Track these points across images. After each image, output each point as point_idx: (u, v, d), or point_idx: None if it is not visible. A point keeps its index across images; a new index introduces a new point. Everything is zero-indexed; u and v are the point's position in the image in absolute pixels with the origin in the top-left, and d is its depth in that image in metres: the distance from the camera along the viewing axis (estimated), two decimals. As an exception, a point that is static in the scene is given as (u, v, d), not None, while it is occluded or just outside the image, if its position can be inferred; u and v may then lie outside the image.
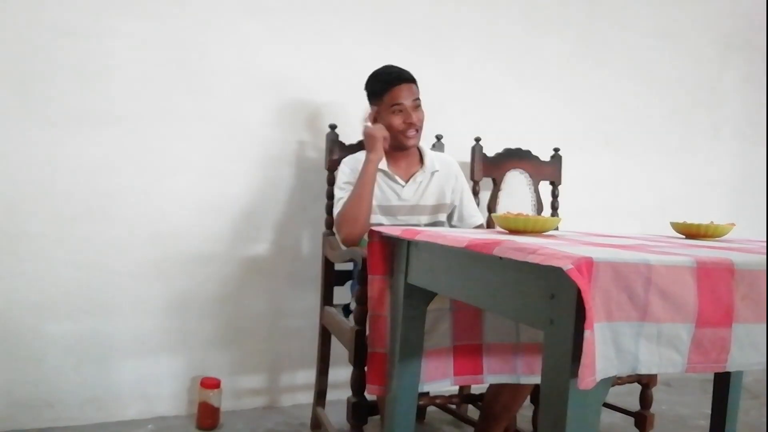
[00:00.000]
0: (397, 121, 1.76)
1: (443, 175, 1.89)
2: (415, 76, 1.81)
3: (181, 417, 2.05)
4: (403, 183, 1.83)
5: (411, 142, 1.80)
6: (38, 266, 1.88)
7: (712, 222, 1.43)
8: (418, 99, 1.80)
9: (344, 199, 1.75)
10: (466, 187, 1.97)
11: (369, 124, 1.81)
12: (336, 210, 1.79)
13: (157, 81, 1.99)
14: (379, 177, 1.79)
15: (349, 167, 1.82)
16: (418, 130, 1.80)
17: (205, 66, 2.05)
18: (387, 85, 1.76)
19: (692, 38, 2.99)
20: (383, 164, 1.80)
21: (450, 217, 1.96)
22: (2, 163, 1.83)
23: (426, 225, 1.86)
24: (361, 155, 1.82)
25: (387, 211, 1.81)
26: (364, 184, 1.72)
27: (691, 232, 1.43)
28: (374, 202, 1.78)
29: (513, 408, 1.62)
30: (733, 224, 1.43)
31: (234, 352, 2.15)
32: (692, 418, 2.27)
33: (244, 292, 2.14)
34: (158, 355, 2.04)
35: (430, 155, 1.89)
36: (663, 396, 2.50)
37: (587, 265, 0.74)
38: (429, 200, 1.86)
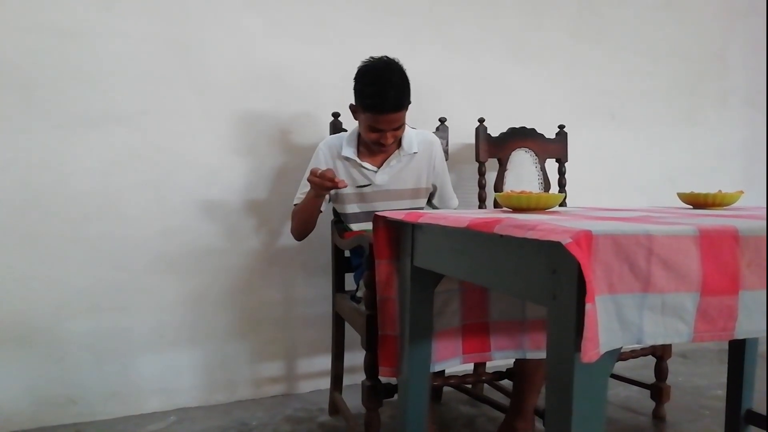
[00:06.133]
0: (371, 136, 1.72)
1: (422, 157, 1.87)
2: (408, 70, 1.70)
3: (203, 408, 2.09)
4: (375, 169, 1.82)
5: (380, 152, 1.80)
6: (54, 266, 1.92)
7: (720, 191, 1.42)
8: (401, 125, 1.72)
9: (299, 199, 1.82)
10: (446, 168, 1.96)
11: (320, 169, 1.63)
12: (295, 199, 1.86)
13: (160, 79, 2.01)
14: (350, 165, 1.82)
15: (322, 154, 1.84)
16: (392, 143, 1.76)
17: (206, 62, 2.06)
18: (375, 110, 1.65)
19: (695, 6, 2.95)
20: (352, 154, 1.80)
21: (431, 197, 1.98)
22: (13, 166, 1.86)
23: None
24: (334, 140, 1.85)
25: (361, 198, 1.83)
26: (309, 210, 1.77)
27: (698, 202, 1.42)
28: (348, 191, 1.82)
29: (536, 380, 1.64)
30: (741, 192, 1.42)
31: (251, 342, 2.18)
32: (709, 388, 2.27)
33: (257, 283, 2.17)
34: (177, 348, 2.08)
35: (409, 137, 1.84)
36: (679, 368, 2.50)
37: (586, 238, 0.74)
38: (406, 184, 1.86)
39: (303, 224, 1.84)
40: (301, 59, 2.19)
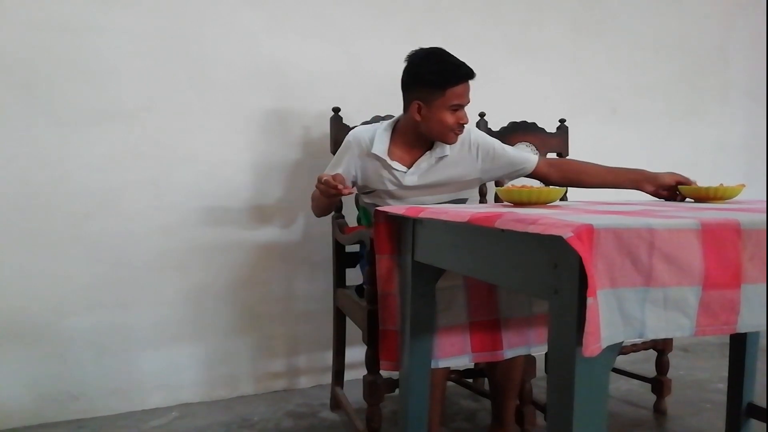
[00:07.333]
0: (451, 119, 1.64)
1: (458, 155, 1.77)
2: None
3: (205, 403, 2.09)
4: (404, 169, 1.74)
5: (454, 141, 1.71)
6: (55, 263, 1.91)
7: (721, 184, 1.42)
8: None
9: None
10: (496, 145, 1.82)
11: (328, 178, 1.54)
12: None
13: (159, 75, 2.00)
14: (379, 165, 1.75)
15: (350, 150, 1.76)
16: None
17: (206, 57, 2.06)
18: (456, 81, 1.61)
19: (696, 0, 2.93)
20: (383, 153, 1.73)
21: (499, 183, 1.92)
22: (13, 164, 1.85)
23: (447, 203, 1.82)
24: (365, 133, 1.77)
25: (392, 195, 1.80)
26: (322, 201, 1.71)
27: (700, 196, 1.42)
28: (378, 187, 1.77)
29: (513, 376, 1.64)
30: (743, 185, 1.41)
31: (252, 337, 2.18)
32: (710, 382, 2.27)
33: (258, 278, 2.17)
34: (178, 344, 2.08)
35: None
36: (680, 361, 2.50)
37: (587, 232, 0.73)
38: (442, 179, 1.77)
39: (320, 210, 1.83)
40: (301, 54, 2.18)
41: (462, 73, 1.62)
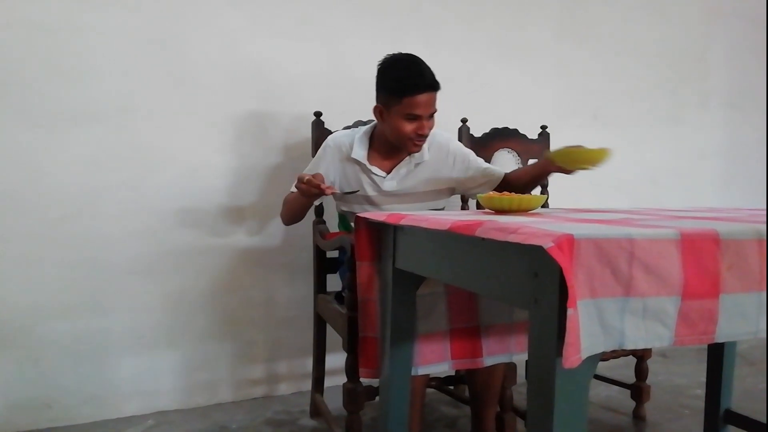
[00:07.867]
0: (408, 128, 1.63)
1: (435, 161, 1.78)
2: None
3: (182, 411, 2.06)
4: (383, 174, 1.75)
5: (415, 150, 1.71)
6: (30, 267, 1.87)
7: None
8: (434, 112, 1.66)
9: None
10: (471, 156, 1.84)
11: (309, 176, 1.54)
12: (292, 187, 1.71)
13: (139, 76, 1.97)
14: (359, 170, 1.75)
15: (329, 154, 1.76)
16: (428, 135, 1.69)
17: (187, 58, 2.03)
18: (413, 91, 1.58)
19: (678, 8, 2.98)
20: (363, 158, 1.73)
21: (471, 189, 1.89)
22: (-15, 165, 1.81)
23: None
24: (344, 138, 1.77)
25: (370, 201, 1.79)
26: (299, 204, 1.71)
27: (568, 159, 1.53)
28: (358, 192, 1.76)
29: (493, 384, 1.64)
30: (607, 149, 1.44)
31: (231, 344, 2.15)
32: (689, 387, 2.29)
33: (237, 284, 2.14)
34: (155, 350, 2.04)
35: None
36: (659, 367, 2.52)
37: (568, 242, 0.73)
38: (418, 188, 1.78)
39: (292, 214, 1.80)
40: (283, 57, 2.16)
41: (422, 84, 1.59)
